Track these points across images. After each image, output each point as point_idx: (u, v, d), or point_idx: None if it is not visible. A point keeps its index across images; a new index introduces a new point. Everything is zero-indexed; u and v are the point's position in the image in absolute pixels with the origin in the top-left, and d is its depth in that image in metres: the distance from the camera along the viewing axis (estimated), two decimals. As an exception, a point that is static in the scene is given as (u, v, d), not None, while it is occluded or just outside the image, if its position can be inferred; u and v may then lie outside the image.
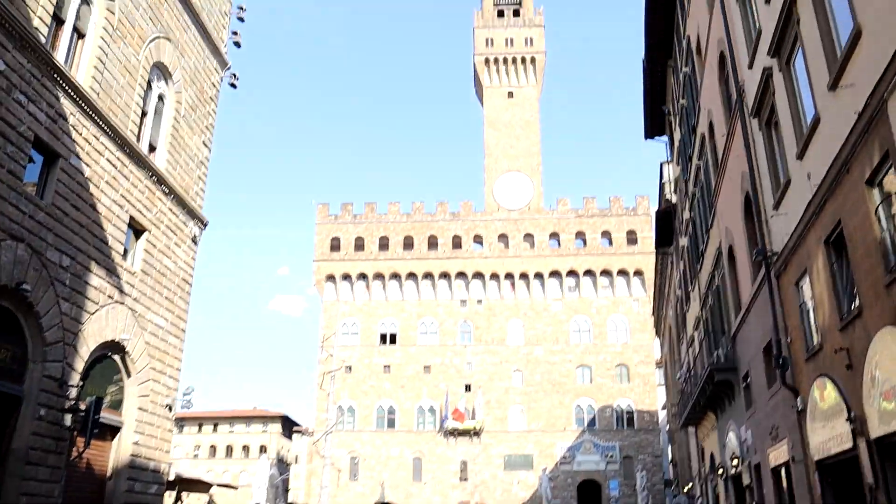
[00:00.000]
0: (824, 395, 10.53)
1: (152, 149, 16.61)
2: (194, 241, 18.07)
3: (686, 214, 26.42)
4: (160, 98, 16.97)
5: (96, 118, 13.70)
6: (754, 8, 13.40)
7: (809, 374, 11.46)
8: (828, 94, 9.46)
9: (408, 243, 65.82)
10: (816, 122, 10.01)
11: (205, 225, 18.59)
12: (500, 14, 77.48)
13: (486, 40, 75.53)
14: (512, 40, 75.39)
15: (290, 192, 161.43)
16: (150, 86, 16.48)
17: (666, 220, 33.88)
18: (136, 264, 15.43)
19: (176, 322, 17.00)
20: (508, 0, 78.93)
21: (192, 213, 17.90)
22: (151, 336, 15.77)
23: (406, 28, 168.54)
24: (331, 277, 65.19)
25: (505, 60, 74.70)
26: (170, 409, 16.56)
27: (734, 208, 16.63)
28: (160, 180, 16.22)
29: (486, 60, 74.86)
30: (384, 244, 65.87)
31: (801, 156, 10.88)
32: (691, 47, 21.40)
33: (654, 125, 32.57)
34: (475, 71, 76.05)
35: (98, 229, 13.80)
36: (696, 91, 21.25)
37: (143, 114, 16.16)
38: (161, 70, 16.87)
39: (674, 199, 32.32)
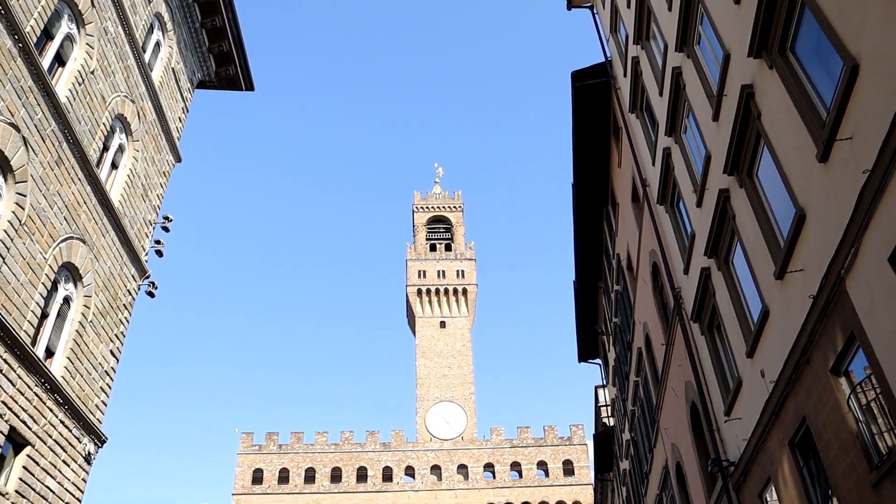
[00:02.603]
0: None
1: (50, 354, 15.10)
2: (88, 459, 15.99)
3: (626, 436, 25.33)
4: (66, 301, 15.74)
5: (-14, 314, 12.37)
6: (685, 213, 13.43)
7: None
8: (775, 283, 9.01)
9: (336, 475, 62.19)
10: (765, 314, 9.48)
11: (102, 442, 16.61)
12: (433, 248, 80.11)
13: (419, 272, 77.24)
14: (444, 272, 77.25)
15: (211, 419, 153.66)
16: (56, 287, 15.32)
17: (604, 444, 32.62)
18: (10, 483, 13.29)
19: (52, 557, 14.51)
20: (440, 235, 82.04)
21: (88, 428, 16.00)
22: (18, 574, 13.28)
23: (337, 254, 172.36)
24: (250, 514, 60.27)
25: (437, 291, 75.98)
26: None
27: (680, 421, 15.72)
28: (53, 388, 14.54)
29: (419, 291, 76.02)
30: (310, 476, 62.06)
31: (751, 353, 10.24)
32: (622, 265, 21.57)
33: (588, 348, 32.40)
34: (407, 301, 76.88)
35: (-33, 440, 11.95)
36: (629, 307, 21.11)
37: (44, 315, 14.85)
38: (70, 271, 15.80)
39: (611, 422, 31.36)
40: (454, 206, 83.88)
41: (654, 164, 15.20)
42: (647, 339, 18.67)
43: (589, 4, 20.30)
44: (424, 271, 77.21)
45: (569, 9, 20.38)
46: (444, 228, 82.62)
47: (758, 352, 10.03)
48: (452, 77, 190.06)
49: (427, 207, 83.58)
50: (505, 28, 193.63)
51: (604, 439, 32.50)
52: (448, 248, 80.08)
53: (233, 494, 60.95)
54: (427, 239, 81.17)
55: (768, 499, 10.78)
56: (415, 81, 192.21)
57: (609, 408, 32.58)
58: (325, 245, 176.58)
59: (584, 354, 32.89)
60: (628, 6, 15.87)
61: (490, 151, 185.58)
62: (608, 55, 18.78)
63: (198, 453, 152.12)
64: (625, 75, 17.08)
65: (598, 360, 32.76)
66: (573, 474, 62.65)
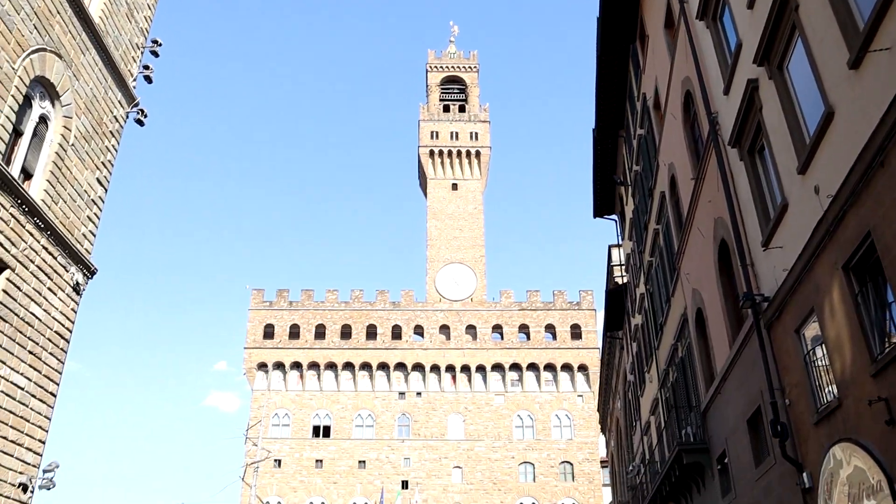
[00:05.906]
0: (848, 465, 8.22)
1: (28, 176, 13.99)
2: (76, 289, 15.20)
3: (641, 290, 24.52)
4: (42, 120, 14.47)
5: (-55, 121, 11.15)
6: (731, 23, 11.79)
7: (820, 442, 9.16)
8: (846, 76, 7.58)
9: (345, 332, 62.88)
10: (829, 116, 8.09)
11: (92, 273, 15.78)
12: (446, 109, 77.74)
13: (432, 133, 75.33)
14: (457, 134, 75.31)
15: (225, 276, 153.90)
16: (31, 103, 14.01)
17: (616, 301, 31.99)
18: (-11, 307, 12.53)
19: (43, 383, 13.93)
20: (454, 96, 79.44)
21: (75, 257, 15.11)
22: (3, 397, 12.71)
23: (349, 114, 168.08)
24: (262, 366, 61.55)
25: (450, 153, 74.31)
26: (25, 489, 13.33)
27: (705, 264, 14.65)
28: (32, 211, 13.50)
29: (431, 152, 74.37)
30: (321, 333, 62.76)
31: (803, 169, 8.93)
32: (647, 105, 19.98)
33: (604, 203, 31.11)
34: (419, 162, 75.38)
35: (-68, 255, 11.01)
36: (654, 150, 19.69)
37: (18, 133, 13.63)
38: (46, 87, 14.44)
39: (624, 280, 30.57)
40: (469, 67, 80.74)
41: (696, -27, 13.38)
42: (672, 180, 17.36)
43: None
44: (437, 132, 75.24)
45: None
46: (458, 89, 79.90)
47: (812, 165, 8.71)
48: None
49: (441, 67, 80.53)
50: None
51: (616, 296, 31.84)
52: (462, 109, 77.71)
53: (245, 348, 61.92)
54: (441, 100, 78.66)
55: (806, 335, 9.78)
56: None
57: (622, 267, 31.72)
58: (334, 101, 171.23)
59: (601, 210, 31.68)
60: None
61: (507, 7, 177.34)
62: None
63: (209, 304, 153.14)
64: None
65: (615, 216, 31.61)
66: (581, 338, 63.05)
